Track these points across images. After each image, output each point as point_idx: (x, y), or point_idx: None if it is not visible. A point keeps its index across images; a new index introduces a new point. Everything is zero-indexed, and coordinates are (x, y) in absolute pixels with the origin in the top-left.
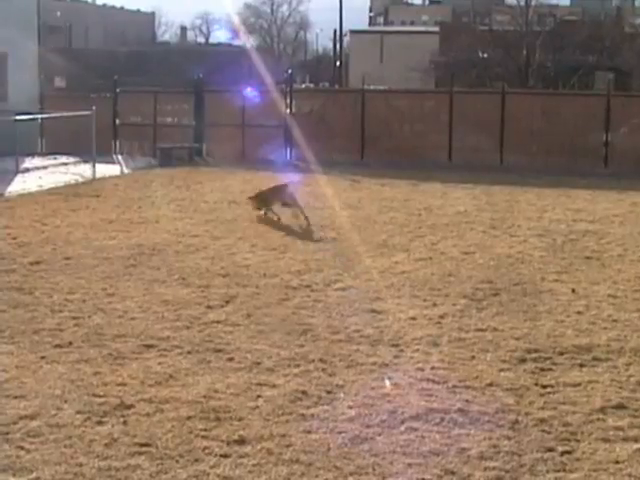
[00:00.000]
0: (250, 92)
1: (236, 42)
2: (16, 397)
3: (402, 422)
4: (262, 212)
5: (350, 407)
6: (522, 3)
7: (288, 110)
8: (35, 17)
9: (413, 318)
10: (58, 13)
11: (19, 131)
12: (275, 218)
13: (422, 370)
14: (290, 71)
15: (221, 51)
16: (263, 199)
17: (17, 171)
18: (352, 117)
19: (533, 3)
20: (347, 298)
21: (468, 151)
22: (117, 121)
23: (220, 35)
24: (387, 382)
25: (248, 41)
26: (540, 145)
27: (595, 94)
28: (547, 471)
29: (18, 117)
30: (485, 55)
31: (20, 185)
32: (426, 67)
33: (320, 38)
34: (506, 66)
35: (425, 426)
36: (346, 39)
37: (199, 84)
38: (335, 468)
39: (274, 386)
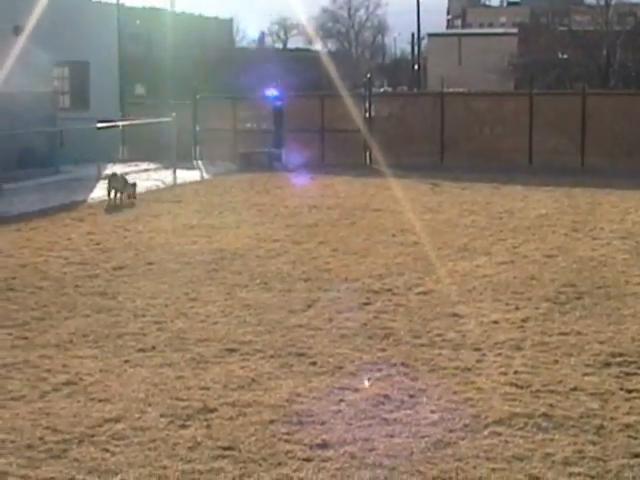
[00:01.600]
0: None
1: (314, 47)
2: (101, 400)
3: (485, 427)
4: None
5: (433, 411)
6: (602, 2)
7: (367, 114)
8: (115, 26)
9: (495, 322)
10: (137, 21)
11: (101, 138)
12: None
13: (505, 374)
14: (369, 75)
15: (298, 56)
16: None
17: (99, 177)
18: (431, 120)
19: (613, 2)
20: (429, 302)
21: (548, 153)
22: (197, 127)
23: (297, 41)
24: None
25: (325, 46)
26: (622, 146)
27: None
28: (634, 477)
29: (100, 124)
30: (565, 56)
31: (102, 192)
32: (505, 69)
33: (398, 42)
34: (586, 66)
35: (509, 431)
36: (424, 42)
37: (277, 91)
38: (418, 472)
39: (356, 390)
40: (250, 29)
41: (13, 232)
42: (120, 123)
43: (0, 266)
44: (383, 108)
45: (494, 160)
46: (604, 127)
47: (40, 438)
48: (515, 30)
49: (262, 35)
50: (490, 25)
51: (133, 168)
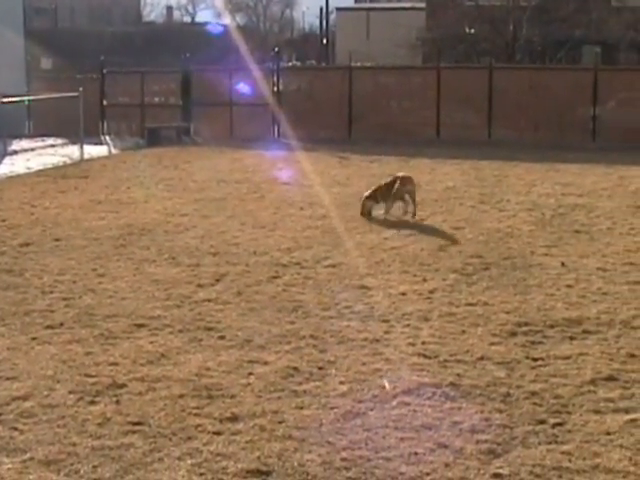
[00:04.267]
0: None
1: (222, 21)
2: (8, 378)
3: (394, 397)
4: (381, 213)
5: (342, 383)
6: None
7: (275, 88)
8: None
9: (403, 293)
10: None
11: (6, 113)
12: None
13: (413, 345)
14: (277, 49)
15: (206, 30)
16: (384, 194)
17: (4, 153)
18: (339, 94)
19: None
20: (337, 275)
21: (456, 127)
22: (104, 102)
23: (205, 14)
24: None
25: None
26: (528, 120)
27: (582, 68)
28: (539, 443)
29: (5, 99)
30: (472, 31)
31: (8, 167)
32: (413, 43)
33: (306, 16)
34: (493, 41)
35: (417, 400)
36: (332, 16)
37: (185, 63)
38: (328, 443)
39: (266, 363)
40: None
41: None
42: (26, 97)
43: None
44: (292, 82)
45: (402, 134)
46: (510, 101)
47: None
48: (423, 5)
49: (170, 9)
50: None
51: (39, 144)
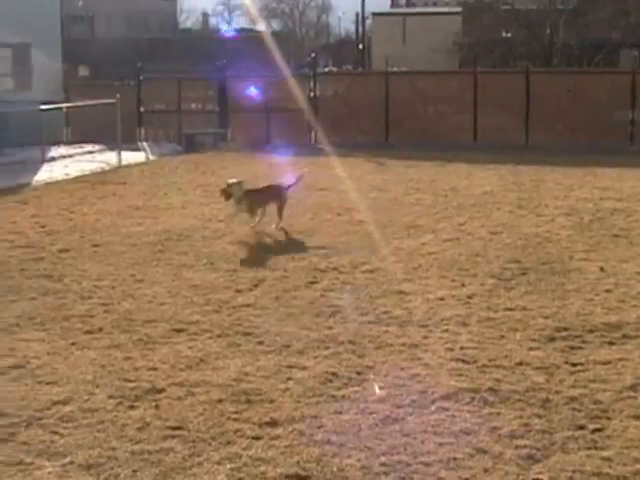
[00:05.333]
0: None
1: (258, 27)
2: (48, 383)
3: (432, 402)
4: (252, 216)
5: (380, 388)
6: None
7: (312, 94)
8: (58, 7)
9: (441, 299)
10: (80, 3)
11: (44, 120)
12: (252, 224)
13: (451, 350)
14: (313, 54)
15: (243, 37)
16: (254, 200)
17: (43, 160)
18: (376, 99)
19: None
20: (375, 280)
21: (493, 131)
22: (141, 108)
23: (241, 21)
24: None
25: (270, 26)
26: (565, 124)
27: (620, 72)
28: (578, 449)
29: (43, 107)
30: (508, 35)
31: (47, 174)
32: (449, 48)
33: (342, 21)
34: (530, 45)
35: (456, 406)
36: (368, 21)
37: (222, 70)
38: (367, 448)
39: (304, 368)
40: (197, 9)
41: None
42: (63, 105)
43: None
44: (328, 87)
45: (439, 138)
46: (547, 105)
47: None
48: (459, 9)
49: (206, 16)
50: (434, 4)
51: (77, 150)
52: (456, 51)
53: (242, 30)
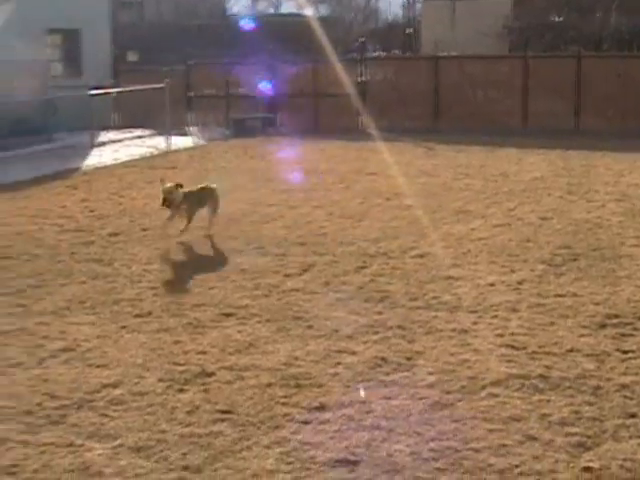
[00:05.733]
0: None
1: (306, 12)
2: (98, 366)
3: (482, 388)
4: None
5: (430, 373)
6: None
7: (360, 79)
8: None
9: (491, 284)
10: None
11: (94, 106)
12: (181, 228)
13: (501, 336)
14: (362, 39)
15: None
16: (193, 200)
17: (93, 145)
18: (425, 84)
19: None
20: (424, 265)
21: (543, 116)
22: (190, 93)
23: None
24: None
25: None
26: (616, 109)
27: None
28: (630, 437)
29: (92, 92)
30: (559, 19)
31: (96, 159)
32: (499, 32)
33: (391, 6)
34: (580, 30)
35: (506, 392)
36: (417, 6)
37: (271, 55)
38: (416, 434)
39: (353, 353)
40: None
41: (7, 200)
42: (113, 90)
43: None
44: (377, 72)
45: (488, 123)
46: (598, 90)
47: (38, 404)
48: None
49: (254, 1)
50: None
51: (126, 135)
52: (506, 35)
53: (290, 15)
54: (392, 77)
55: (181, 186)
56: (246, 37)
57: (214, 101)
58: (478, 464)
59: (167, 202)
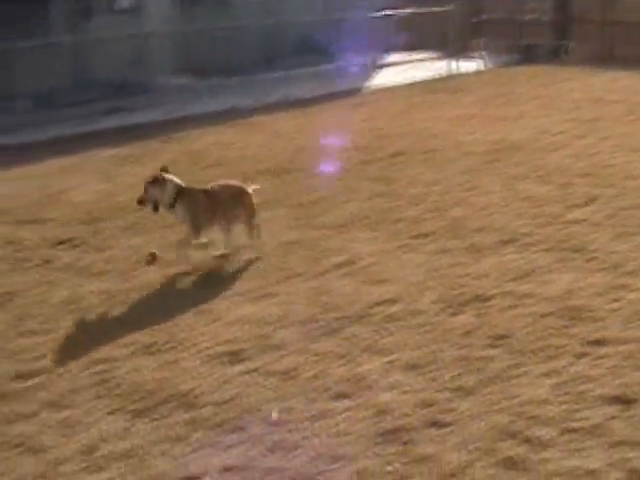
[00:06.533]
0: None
1: None
2: (376, 282)
3: None
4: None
5: None
6: None
7: None
8: None
9: None
10: None
11: (378, 27)
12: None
13: None
14: None
15: None
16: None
17: (375, 66)
18: None
19: None
20: None
21: None
22: (479, 17)
23: None
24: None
25: None
26: None
27: None
28: None
29: (375, 14)
30: None
31: (379, 80)
32: None
33: None
34: None
35: None
36: None
37: None
38: None
39: (636, 289)
40: None
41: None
42: (396, 12)
43: (264, 156)
44: None
45: None
46: None
47: (315, 315)
48: None
49: None
50: None
51: (410, 57)
52: None
53: None
54: None
55: (167, 171)
56: None
57: (503, 26)
58: None
59: (143, 201)
